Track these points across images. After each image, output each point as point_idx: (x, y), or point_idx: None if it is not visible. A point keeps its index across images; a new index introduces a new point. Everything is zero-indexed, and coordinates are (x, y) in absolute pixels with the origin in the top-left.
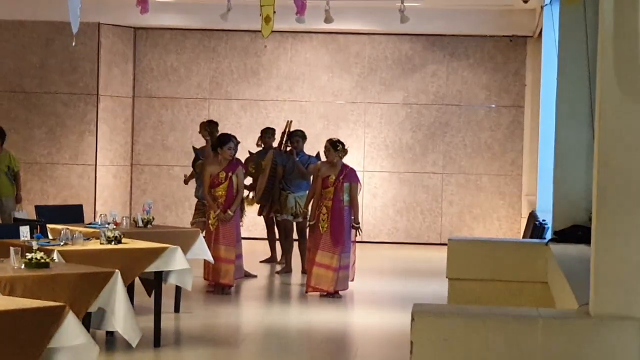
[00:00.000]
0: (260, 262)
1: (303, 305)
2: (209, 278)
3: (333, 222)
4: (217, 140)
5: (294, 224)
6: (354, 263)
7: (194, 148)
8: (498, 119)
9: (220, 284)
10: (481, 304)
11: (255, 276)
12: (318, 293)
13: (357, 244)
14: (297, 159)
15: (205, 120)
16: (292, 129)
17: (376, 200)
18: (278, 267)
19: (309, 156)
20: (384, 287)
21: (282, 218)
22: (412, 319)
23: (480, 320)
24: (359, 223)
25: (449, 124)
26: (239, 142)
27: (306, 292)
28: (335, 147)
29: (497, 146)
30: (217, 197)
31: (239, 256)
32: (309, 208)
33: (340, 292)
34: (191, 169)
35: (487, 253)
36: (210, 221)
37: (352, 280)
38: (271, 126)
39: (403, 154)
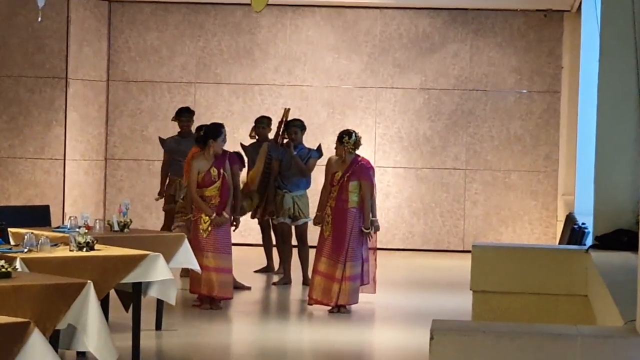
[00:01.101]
0: (255, 272)
1: (304, 322)
2: (197, 291)
3: (335, 225)
4: (208, 131)
5: (293, 227)
6: (374, 274)
7: (160, 140)
8: (530, 106)
9: (215, 298)
10: (510, 321)
11: (248, 288)
12: (321, 307)
13: (375, 251)
14: (295, 152)
15: (181, 108)
16: (289, 118)
17: (389, 201)
18: (275, 278)
19: (309, 149)
20: (398, 301)
21: (279, 221)
22: (431, 338)
23: (509, 339)
24: (368, 228)
25: (473, 112)
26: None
27: (309, 303)
28: (340, 139)
29: (529, 138)
30: (207, 198)
31: (231, 265)
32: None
33: (347, 307)
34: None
35: (517, 262)
36: (201, 227)
37: (374, 292)
38: (267, 115)
39: (420, 147)
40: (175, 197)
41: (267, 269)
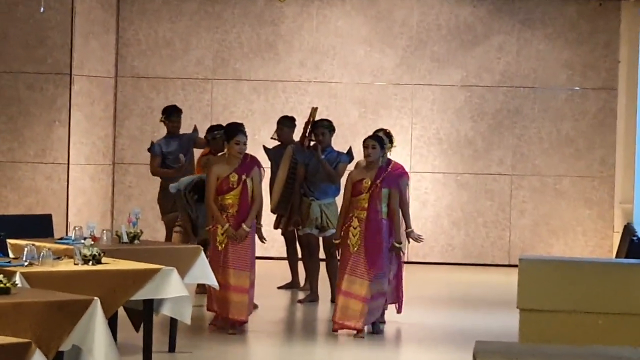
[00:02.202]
0: (279, 288)
1: (332, 345)
2: (215, 309)
3: (367, 238)
4: (228, 132)
5: (320, 239)
6: (401, 291)
7: (152, 144)
8: (583, 105)
9: (229, 320)
10: (562, 343)
11: (255, 306)
12: (347, 331)
13: (404, 265)
14: (323, 156)
15: (170, 107)
16: (316, 118)
17: (426, 210)
18: (301, 295)
19: (339, 153)
20: (437, 320)
21: (305, 232)
22: None
23: None
24: (401, 243)
25: (520, 111)
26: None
27: (333, 329)
28: (365, 142)
29: (582, 140)
30: (225, 206)
31: (253, 283)
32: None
33: (380, 325)
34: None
35: (569, 277)
36: (218, 238)
37: (400, 312)
38: (291, 114)
39: (461, 150)
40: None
41: (292, 285)
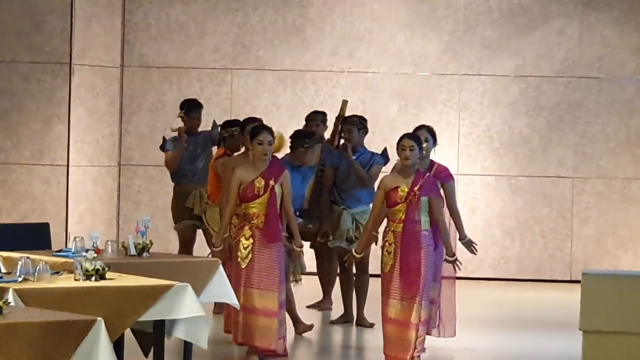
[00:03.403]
0: (308, 307)
1: None
2: (235, 335)
3: (403, 255)
4: (252, 130)
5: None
6: (454, 312)
7: (164, 140)
8: None
9: (255, 348)
10: None
11: (312, 326)
12: None
13: (454, 280)
14: (355, 157)
15: (190, 100)
16: (347, 113)
17: (476, 218)
18: (333, 315)
19: (373, 154)
20: (487, 343)
21: (334, 245)
22: None
23: None
24: (453, 256)
25: (582, 105)
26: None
27: None
28: (402, 142)
29: None
30: (250, 216)
31: (283, 305)
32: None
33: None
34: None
35: (639, 294)
36: (240, 253)
37: (454, 335)
38: (321, 109)
39: (515, 150)
40: (193, 210)
41: (323, 304)
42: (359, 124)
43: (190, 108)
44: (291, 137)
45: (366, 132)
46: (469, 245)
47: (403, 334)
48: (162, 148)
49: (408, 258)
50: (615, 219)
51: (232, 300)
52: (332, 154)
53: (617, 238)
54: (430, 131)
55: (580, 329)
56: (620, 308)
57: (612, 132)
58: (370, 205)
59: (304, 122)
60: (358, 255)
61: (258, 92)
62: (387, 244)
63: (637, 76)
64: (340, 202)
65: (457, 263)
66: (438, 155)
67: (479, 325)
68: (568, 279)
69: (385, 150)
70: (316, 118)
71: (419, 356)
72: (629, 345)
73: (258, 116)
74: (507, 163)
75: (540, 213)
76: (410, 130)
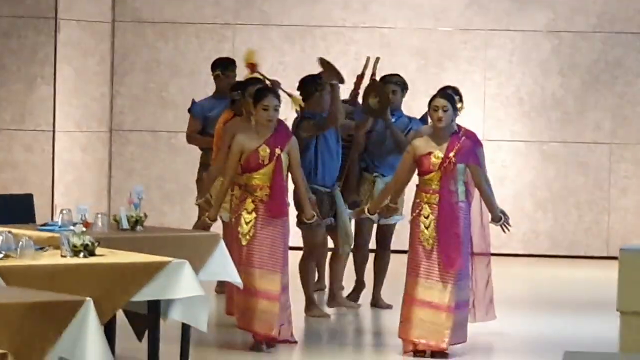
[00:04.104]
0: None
1: (389, 358)
2: (238, 318)
3: (442, 230)
4: (256, 93)
5: (378, 227)
6: (486, 288)
7: (193, 103)
8: None
9: (254, 335)
10: None
11: (328, 316)
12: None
13: (488, 258)
14: (394, 120)
15: (224, 58)
16: (376, 71)
17: (504, 188)
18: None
19: (410, 118)
20: (518, 326)
21: (362, 217)
22: None
23: None
24: (500, 217)
25: (621, 63)
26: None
27: (405, 351)
28: (434, 102)
29: None
30: (252, 188)
31: (286, 288)
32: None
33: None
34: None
35: None
36: (241, 229)
37: (494, 318)
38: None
39: (547, 113)
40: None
41: (357, 291)
42: (403, 83)
43: (227, 66)
44: (300, 86)
45: (407, 91)
46: (504, 223)
47: (437, 319)
48: (190, 110)
49: (448, 233)
50: None
51: (235, 278)
52: (362, 115)
53: None
54: (456, 93)
55: (617, 310)
56: None
57: None
58: None
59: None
60: (369, 215)
61: (263, 50)
62: (422, 217)
63: None
64: (373, 168)
65: (506, 225)
66: (461, 118)
67: (508, 306)
68: (605, 255)
69: (425, 115)
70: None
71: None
72: None
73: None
74: (539, 128)
75: (574, 183)
76: (432, 92)
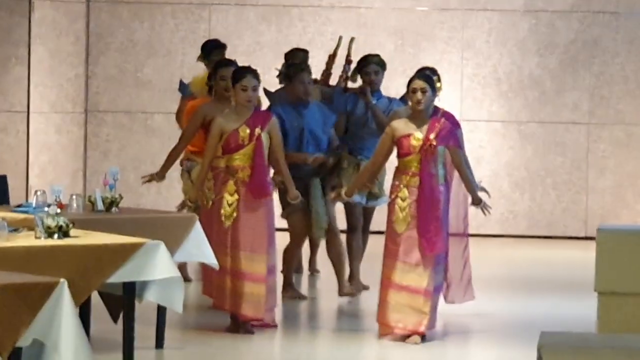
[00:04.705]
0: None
1: (362, 341)
2: (220, 302)
3: (422, 212)
4: (214, 71)
5: (364, 209)
6: (464, 268)
7: (182, 84)
8: None
9: (241, 317)
10: None
11: (304, 297)
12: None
13: (466, 239)
14: (374, 101)
15: (210, 40)
16: (352, 51)
17: (482, 168)
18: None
19: (390, 99)
20: (496, 306)
21: (347, 201)
22: (539, 358)
23: None
24: (480, 200)
25: (599, 43)
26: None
27: (382, 335)
28: (413, 83)
29: None
30: (234, 169)
31: (273, 269)
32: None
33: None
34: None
35: None
36: (224, 211)
37: (473, 298)
38: (308, 48)
39: (525, 93)
40: None
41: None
42: (382, 63)
43: (210, 50)
44: (286, 67)
45: (385, 70)
46: (484, 206)
47: (415, 303)
48: (180, 90)
49: (428, 216)
50: (635, 168)
51: (211, 259)
52: (342, 97)
53: (637, 190)
54: (434, 73)
55: (595, 290)
56: (639, 268)
57: (632, 73)
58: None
59: (284, 61)
60: (345, 197)
61: (239, 30)
62: (399, 200)
63: None
64: (356, 151)
65: (487, 207)
66: (439, 99)
67: (485, 287)
68: (583, 235)
69: (405, 96)
70: (298, 56)
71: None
72: None
73: (239, 57)
74: (516, 108)
75: (552, 163)
76: (410, 72)
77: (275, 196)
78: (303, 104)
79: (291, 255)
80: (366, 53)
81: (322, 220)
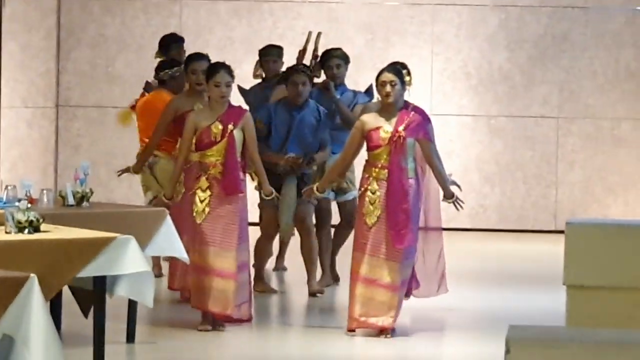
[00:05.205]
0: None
1: (332, 335)
2: (186, 296)
3: (391, 205)
4: (185, 66)
5: (338, 205)
6: (438, 262)
7: (147, 84)
8: None
9: (211, 314)
10: (617, 326)
11: (275, 291)
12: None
13: (440, 232)
14: (338, 95)
15: (166, 35)
16: (319, 46)
17: (452, 162)
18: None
19: (355, 92)
20: (466, 300)
21: (322, 197)
22: (507, 351)
23: (616, 351)
24: (453, 195)
25: (568, 37)
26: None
27: (351, 329)
28: (382, 76)
29: None
30: (206, 165)
31: (244, 266)
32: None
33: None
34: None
35: (629, 245)
36: (196, 207)
37: (446, 291)
38: (279, 43)
39: (495, 87)
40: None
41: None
42: (345, 57)
43: (167, 45)
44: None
45: (349, 64)
46: (456, 200)
47: (383, 297)
48: (145, 90)
49: (396, 209)
50: (604, 162)
51: (181, 253)
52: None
53: (606, 184)
54: (403, 67)
55: (564, 284)
56: (607, 261)
57: (601, 68)
58: None
59: (259, 57)
60: (319, 194)
61: (210, 25)
62: (369, 193)
63: (627, 5)
64: None
65: (459, 202)
66: (409, 93)
67: (455, 281)
68: (553, 229)
69: (370, 88)
70: (272, 53)
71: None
72: (616, 301)
73: (210, 52)
74: (486, 102)
75: (522, 157)
76: (379, 66)
77: (253, 187)
78: (298, 106)
79: (261, 248)
80: (331, 47)
81: (286, 220)
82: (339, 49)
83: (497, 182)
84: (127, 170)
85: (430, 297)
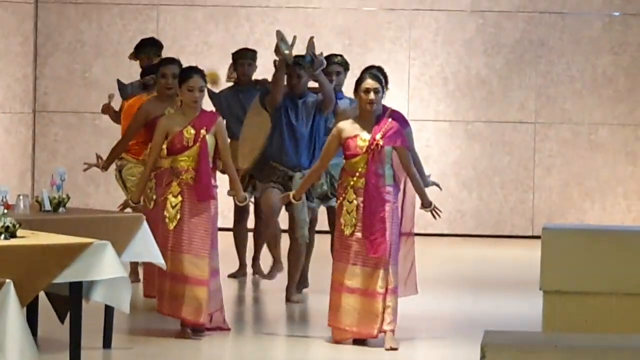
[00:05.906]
0: (229, 276)
1: (312, 339)
2: (161, 306)
3: (367, 214)
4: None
5: (327, 210)
6: (411, 266)
7: (119, 83)
8: (625, 34)
9: (185, 322)
10: (594, 331)
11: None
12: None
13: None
14: (337, 102)
15: (144, 39)
16: (314, 50)
17: (429, 167)
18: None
19: (351, 100)
20: (442, 305)
21: (308, 205)
22: (483, 356)
23: (592, 356)
24: (431, 203)
25: (545, 43)
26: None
27: (336, 339)
28: (365, 83)
29: (624, 79)
30: (178, 170)
31: (215, 273)
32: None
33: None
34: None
35: (605, 251)
36: (167, 213)
37: (416, 292)
38: (256, 48)
39: (472, 93)
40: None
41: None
42: (345, 63)
43: (140, 48)
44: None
45: (349, 70)
46: (434, 209)
47: (367, 306)
48: (121, 91)
49: (373, 217)
50: (581, 168)
51: (158, 259)
52: (295, 99)
53: (583, 189)
54: (382, 71)
55: (540, 289)
56: (584, 266)
57: (578, 73)
58: (343, 157)
59: (232, 61)
60: (295, 201)
61: (187, 30)
62: (346, 202)
63: (604, 11)
64: None
65: (436, 210)
66: (386, 98)
67: (432, 286)
68: (530, 234)
69: None
70: (246, 56)
71: (392, 330)
72: (592, 306)
73: (187, 57)
74: (463, 107)
75: (499, 162)
76: (357, 72)
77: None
78: (297, 98)
79: (269, 234)
80: (331, 53)
81: (303, 222)
82: (340, 55)
83: (474, 187)
84: (95, 165)
85: (400, 298)
